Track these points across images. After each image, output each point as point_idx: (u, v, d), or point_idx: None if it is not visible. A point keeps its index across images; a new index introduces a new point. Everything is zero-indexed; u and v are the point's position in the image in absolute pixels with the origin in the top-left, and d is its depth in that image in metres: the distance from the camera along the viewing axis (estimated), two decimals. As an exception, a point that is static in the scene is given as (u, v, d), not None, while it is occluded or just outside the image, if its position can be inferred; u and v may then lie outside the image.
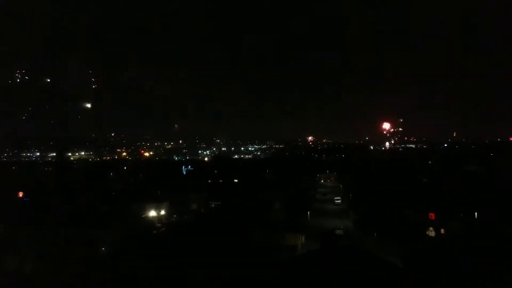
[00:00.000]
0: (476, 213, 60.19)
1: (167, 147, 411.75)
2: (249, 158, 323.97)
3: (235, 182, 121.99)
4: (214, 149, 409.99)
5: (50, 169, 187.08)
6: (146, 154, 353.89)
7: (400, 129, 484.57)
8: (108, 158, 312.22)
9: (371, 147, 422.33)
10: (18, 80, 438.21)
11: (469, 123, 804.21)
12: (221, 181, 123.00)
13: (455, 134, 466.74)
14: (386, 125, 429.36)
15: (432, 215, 60.03)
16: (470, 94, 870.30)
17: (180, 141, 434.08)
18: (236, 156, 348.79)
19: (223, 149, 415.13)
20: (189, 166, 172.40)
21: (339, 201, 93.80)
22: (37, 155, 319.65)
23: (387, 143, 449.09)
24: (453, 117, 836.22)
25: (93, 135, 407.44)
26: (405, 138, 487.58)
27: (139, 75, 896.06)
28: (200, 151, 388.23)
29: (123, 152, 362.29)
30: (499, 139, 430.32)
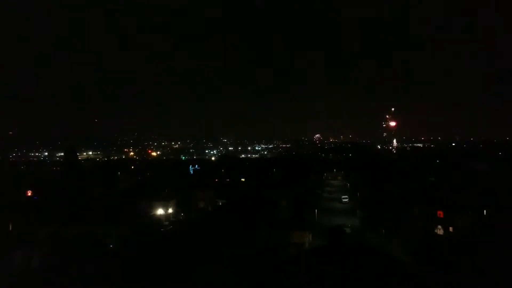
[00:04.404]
0: (484, 211, 59.77)
1: (174, 146, 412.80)
2: (256, 158, 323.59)
3: (242, 181, 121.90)
4: (221, 148, 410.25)
5: (58, 168, 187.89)
6: (154, 153, 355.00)
7: (408, 128, 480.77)
8: (116, 157, 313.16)
9: (378, 146, 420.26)
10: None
11: (477, 122, 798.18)
12: (228, 180, 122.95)
13: (458, 138, 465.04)
14: (393, 124, 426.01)
15: (440, 213, 59.63)
16: (475, 93, 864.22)
17: (187, 141, 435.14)
18: (243, 156, 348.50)
19: (230, 148, 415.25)
20: (196, 166, 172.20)
21: (346, 199, 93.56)
22: (46, 155, 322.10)
23: (394, 142, 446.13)
24: (460, 116, 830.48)
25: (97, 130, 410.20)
26: (413, 139, 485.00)
27: (144, 75, 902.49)
28: (207, 151, 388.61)
29: (130, 151, 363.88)
30: (508, 138, 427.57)
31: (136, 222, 58.94)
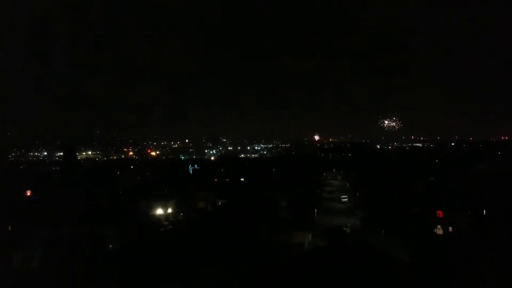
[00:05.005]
0: (484, 211, 59.78)
1: (174, 146, 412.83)
2: (255, 157, 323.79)
3: (242, 180, 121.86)
4: (221, 148, 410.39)
5: (58, 168, 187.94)
6: (153, 153, 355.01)
7: (407, 128, 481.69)
8: (115, 157, 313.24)
9: (378, 146, 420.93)
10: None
11: (475, 122, 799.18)
12: (227, 180, 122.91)
13: (457, 138, 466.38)
14: (393, 124, 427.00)
15: (440, 213, 59.67)
16: (476, 93, 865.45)
17: (187, 141, 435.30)
18: (242, 155, 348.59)
19: (229, 148, 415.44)
20: (196, 165, 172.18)
21: (346, 199, 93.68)
22: (45, 155, 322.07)
23: (394, 142, 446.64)
24: (459, 116, 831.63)
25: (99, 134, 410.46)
26: (412, 137, 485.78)
27: (143, 75, 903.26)
28: (206, 151, 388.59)
29: (130, 151, 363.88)
30: (507, 138, 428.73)
31: (135, 222, 58.86)
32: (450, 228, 56.55)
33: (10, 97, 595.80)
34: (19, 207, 68.84)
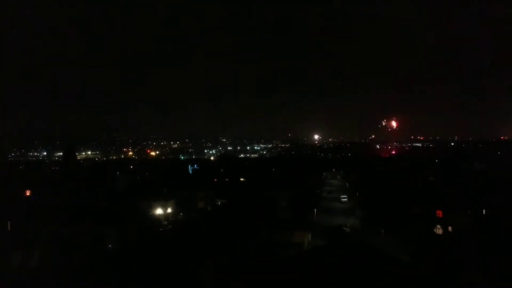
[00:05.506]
0: (484, 211, 59.79)
1: (173, 146, 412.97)
2: (255, 157, 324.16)
3: (241, 180, 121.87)
4: (220, 148, 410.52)
5: (57, 168, 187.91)
6: (153, 153, 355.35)
7: (406, 128, 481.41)
8: (115, 157, 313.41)
9: (377, 146, 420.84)
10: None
11: (475, 122, 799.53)
12: (227, 179, 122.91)
13: (457, 138, 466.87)
14: (392, 124, 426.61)
15: (439, 213, 59.69)
16: (476, 93, 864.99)
17: (186, 140, 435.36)
18: (242, 155, 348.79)
19: (229, 148, 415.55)
20: (195, 165, 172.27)
21: (346, 199, 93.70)
22: (44, 155, 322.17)
23: (393, 142, 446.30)
24: (459, 116, 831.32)
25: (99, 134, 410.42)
26: (411, 137, 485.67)
27: (143, 75, 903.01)
28: (206, 150, 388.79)
29: (129, 151, 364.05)
30: (507, 138, 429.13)
31: (135, 222, 58.81)
32: (450, 228, 56.55)
33: (10, 96, 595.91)
34: (18, 207, 68.74)
